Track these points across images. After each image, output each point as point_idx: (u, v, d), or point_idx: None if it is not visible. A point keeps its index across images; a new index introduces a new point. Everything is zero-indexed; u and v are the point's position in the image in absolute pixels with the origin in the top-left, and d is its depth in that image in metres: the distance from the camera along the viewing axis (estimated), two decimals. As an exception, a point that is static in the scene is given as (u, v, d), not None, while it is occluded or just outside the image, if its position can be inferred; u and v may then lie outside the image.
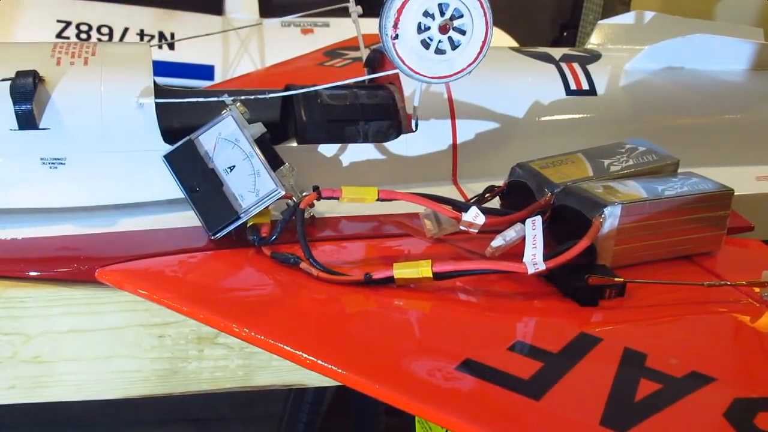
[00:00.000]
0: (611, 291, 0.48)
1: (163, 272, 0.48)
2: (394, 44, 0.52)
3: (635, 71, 0.72)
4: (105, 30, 1.15)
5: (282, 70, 0.98)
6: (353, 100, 0.61)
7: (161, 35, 1.16)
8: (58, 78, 0.54)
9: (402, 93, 0.62)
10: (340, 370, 0.39)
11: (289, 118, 0.64)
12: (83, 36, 1.14)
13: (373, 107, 0.61)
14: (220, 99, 0.57)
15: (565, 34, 1.55)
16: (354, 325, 0.44)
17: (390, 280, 0.47)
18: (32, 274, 0.49)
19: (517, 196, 0.56)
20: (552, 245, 0.47)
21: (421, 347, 0.42)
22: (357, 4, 0.67)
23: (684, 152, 0.58)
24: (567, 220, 0.51)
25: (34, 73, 0.53)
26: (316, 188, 0.49)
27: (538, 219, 0.47)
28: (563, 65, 0.70)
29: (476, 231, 0.50)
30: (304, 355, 0.40)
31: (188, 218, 0.53)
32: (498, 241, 0.49)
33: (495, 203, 0.57)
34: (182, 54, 1.14)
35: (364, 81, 0.67)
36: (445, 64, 0.53)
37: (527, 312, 0.47)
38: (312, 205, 0.53)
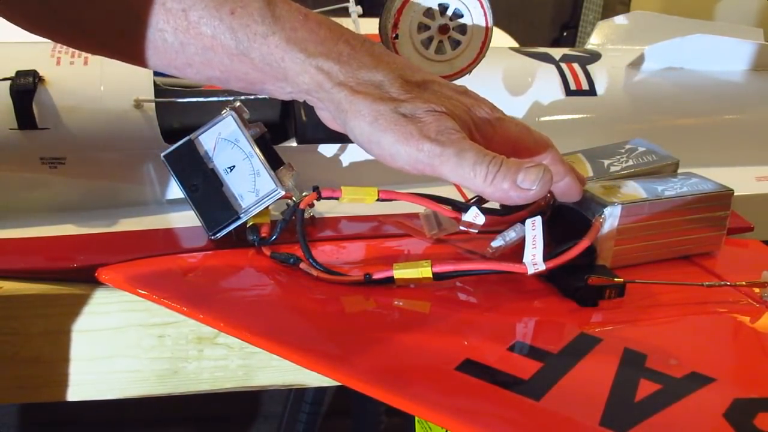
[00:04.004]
0: (611, 291, 0.48)
1: (163, 272, 0.48)
2: (394, 44, 0.52)
3: (635, 71, 0.72)
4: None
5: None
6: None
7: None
8: (58, 78, 0.54)
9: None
10: (340, 371, 0.39)
11: (289, 118, 0.64)
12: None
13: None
14: (220, 99, 0.57)
15: (565, 34, 1.56)
16: (354, 325, 0.44)
17: (390, 281, 0.47)
18: (32, 273, 0.49)
19: (517, 196, 0.56)
20: (552, 245, 0.47)
21: (420, 347, 0.42)
22: (357, 4, 0.67)
23: (684, 152, 0.58)
24: (567, 220, 0.51)
25: (34, 73, 0.53)
26: (316, 188, 0.49)
27: (538, 219, 0.47)
28: (563, 65, 0.70)
29: (476, 231, 0.50)
30: (305, 356, 0.40)
31: (188, 218, 0.53)
32: (498, 242, 0.49)
33: (495, 203, 0.57)
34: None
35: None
36: (446, 64, 0.53)
37: (527, 312, 0.47)
38: (312, 205, 0.53)
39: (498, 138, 0.46)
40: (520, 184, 0.42)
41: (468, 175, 0.42)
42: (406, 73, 0.44)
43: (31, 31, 0.45)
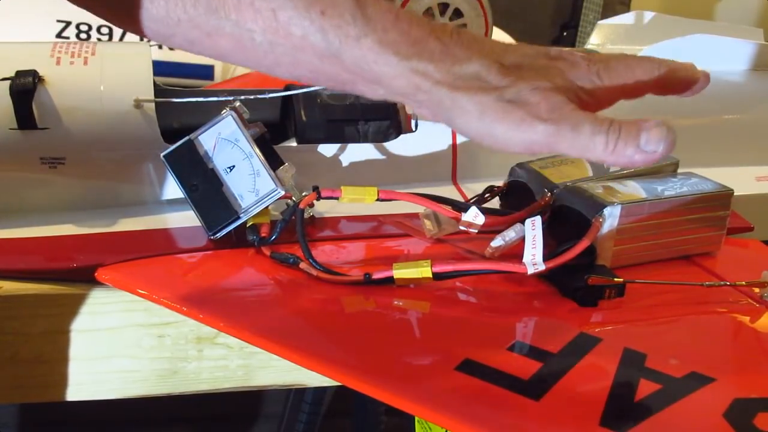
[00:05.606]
0: (611, 291, 0.48)
1: (163, 272, 0.48)
2: (394, 44, 0.52)
3: (635, 71, 0.72)
4: (105, 30, 1.15)
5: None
6: (353, 99, 0.61)
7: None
8: (58, 78, 0.54)
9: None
10: (340, 370, 0.39)
11: (289, 118, 0.64)
12: (83, 36, 1.14)
13: (372, 107, 0.61)
14: (220, 99, 0.57)
15: (565, 34, 1.55)
16: (354, 325, 0.44)
17: (390, 280, 0.47)
18: (32, 274, 0.49)
19: (516, 196, 0.56)
20: (552, 245, 0.47)
21: (420, 347, 0.42)
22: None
23: (684, 152, 0.58)
24: (567, 220, 0.51)
25: (34, 73, 0.53)
26: (315, 188, 0.49)
27: (538, 219, 0.47)
28: (563, 65, 0.69)
29: (476, 231, 0.50)
30: (305, 355, 0.40)
31: (188, 218, 0.53)
32: (498, 242, 0.49)
33: (495, 203, 0.57)
34: (182, 54, 1.13)
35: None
36: (445, 64, 0.53)
37: (527, 312, 0.47)
38: (312, 205, 0.53)
39: (602, 92, 0.44)
40: (644, 147, 0.40)
41: (588, 146, 0.41)
42: (500, 57, 0.43)
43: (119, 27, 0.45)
